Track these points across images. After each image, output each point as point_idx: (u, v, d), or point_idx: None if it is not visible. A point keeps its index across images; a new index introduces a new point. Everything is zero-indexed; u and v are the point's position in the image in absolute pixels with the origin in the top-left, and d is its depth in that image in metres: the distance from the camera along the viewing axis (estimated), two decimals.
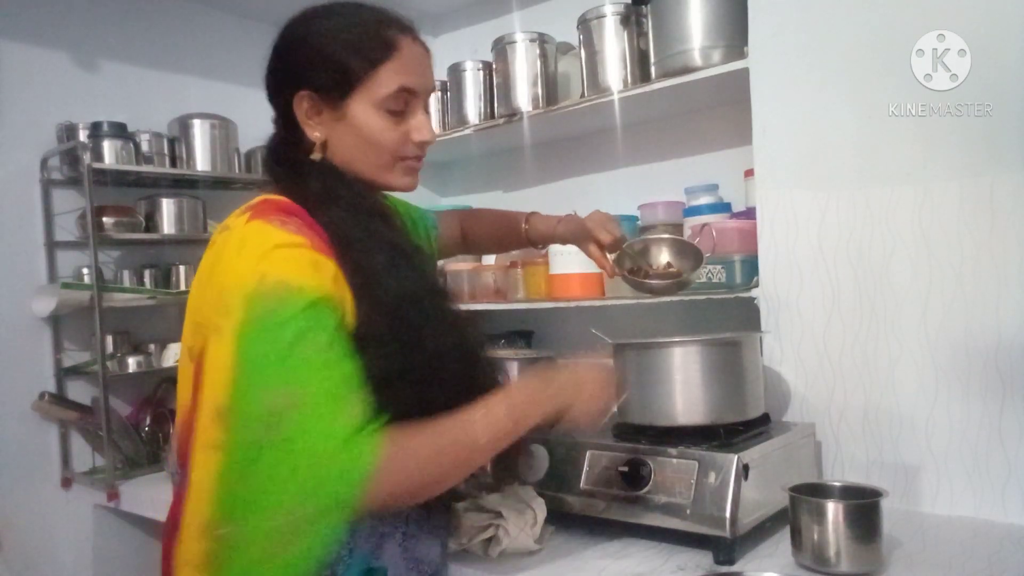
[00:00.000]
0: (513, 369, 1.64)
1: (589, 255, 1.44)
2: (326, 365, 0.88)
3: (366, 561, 0.99)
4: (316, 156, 1.02)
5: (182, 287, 2.24)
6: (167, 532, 1.00)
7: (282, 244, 0.91)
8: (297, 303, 0.87)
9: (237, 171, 2.32)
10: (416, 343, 0.97)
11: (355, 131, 1.01)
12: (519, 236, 1.48)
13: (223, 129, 2.28)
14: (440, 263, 2.26)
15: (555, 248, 1.96)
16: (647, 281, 1.46)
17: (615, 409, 1.14)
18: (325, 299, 0.90)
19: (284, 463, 0.85)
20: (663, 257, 1.54)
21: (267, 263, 0.89)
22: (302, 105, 1.01)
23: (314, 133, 1.02)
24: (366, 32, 1.01)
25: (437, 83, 2.30)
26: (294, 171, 1.02)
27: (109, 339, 2.09)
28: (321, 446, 0.85)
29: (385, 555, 1.02)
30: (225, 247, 0.94)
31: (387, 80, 1.01)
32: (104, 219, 2.06)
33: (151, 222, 2.18)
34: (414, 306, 0.99)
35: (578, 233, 1.44)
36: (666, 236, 1.62)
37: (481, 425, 0.95)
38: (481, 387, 1.01)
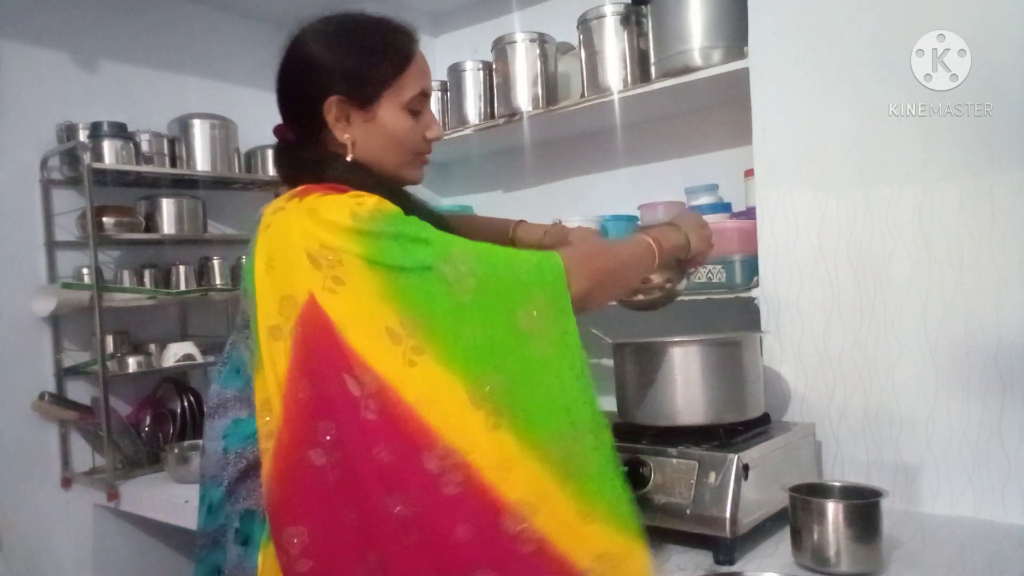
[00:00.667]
0: None
1: None
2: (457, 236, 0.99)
3: None
4: (348, 157, 1.07)
5: (182, 287, 2.24)
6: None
7: (355, 195, 0.98)
8: (395, 212, 0.97)
9: (237, 171, 2.32)
10: None
11: (384, 132, 1.08)
12: (506, 244, 1.48)
13: (223, 129, 2.28)
14: None
15: None
16: (633, 299, 1.43)
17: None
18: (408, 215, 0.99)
19: (512, 268, 0.97)
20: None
21: (352, 205, 0.96)
22: (331, 110, 1.06)
23: (344, 135, 1.07)
24: (388, 41, 1.09)
25: (437, 83, 2.31)
26: (322, 168, 1.07)
27: (109, 339, 2.10)
28: (523, 257, 0.98)
29: None
30: (289, 219, 0.97)
31: (410, 84, 1.08)
32: (104, 219, 2.06)
33: (151, 222, 2.18)
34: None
35: (563, 245, 1.44)
36: None
37: (626, 249, 1.16)
38: None
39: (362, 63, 1.06)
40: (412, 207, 1.05)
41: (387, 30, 1.09)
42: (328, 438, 0.91)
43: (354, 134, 1.07)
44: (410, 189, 1.15)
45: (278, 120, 1.14)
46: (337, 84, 1.05)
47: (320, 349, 0.92)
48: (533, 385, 0.95)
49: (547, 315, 0.97)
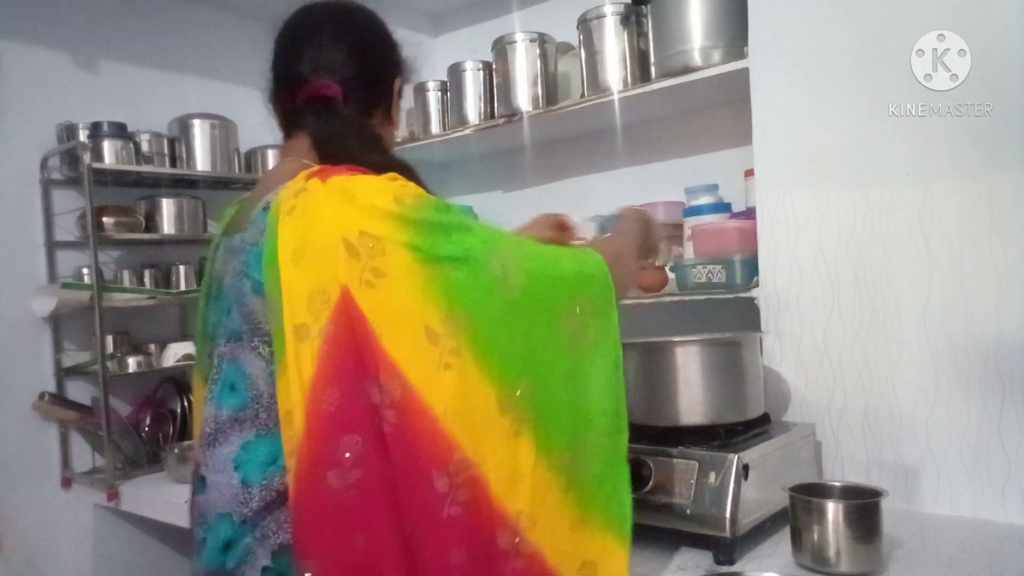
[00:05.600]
0: None
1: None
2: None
3: None
4: (398, 138, 1.09)
5: (182, 287, 2.24)
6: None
7: (393, 177, 0.92)
8: (442, 200, 0.93)
9: (237, 171, 2.32)
10: None
11: (395, 115, 1.13)
12: None
13: (223, 129, 2.28)
14: None
15: None
16: None
17: (659, 253, 1.27)
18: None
19: (560, 262, 0.97)
20: None
21: (395, 189, 0.90)
22: (397, 89, 1.12)
23: (393, 111, 1.12)
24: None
25: (435, 83, 2.31)
26: (371, 145, 1.03)
27: (109, 339, 2.09)
28: (562, 257, 0.98)
29: None
30: (321, 202, 0.88)
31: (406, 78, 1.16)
32: (104, 219, 2.06)
33: (151, 222, 2.18)
34: None
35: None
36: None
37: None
38: None
39: (400, 55, 1.13)
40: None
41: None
42: (348, 455, 0.83)
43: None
44: None
45: None
46: (403, 69, 1.12)
47: (352, 354, 0.84)
48: (563, 388, 0.93)
49: (591, 314, 0.97)
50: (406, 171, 0.97)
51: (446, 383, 0.84)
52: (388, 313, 0.84)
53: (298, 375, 0.84)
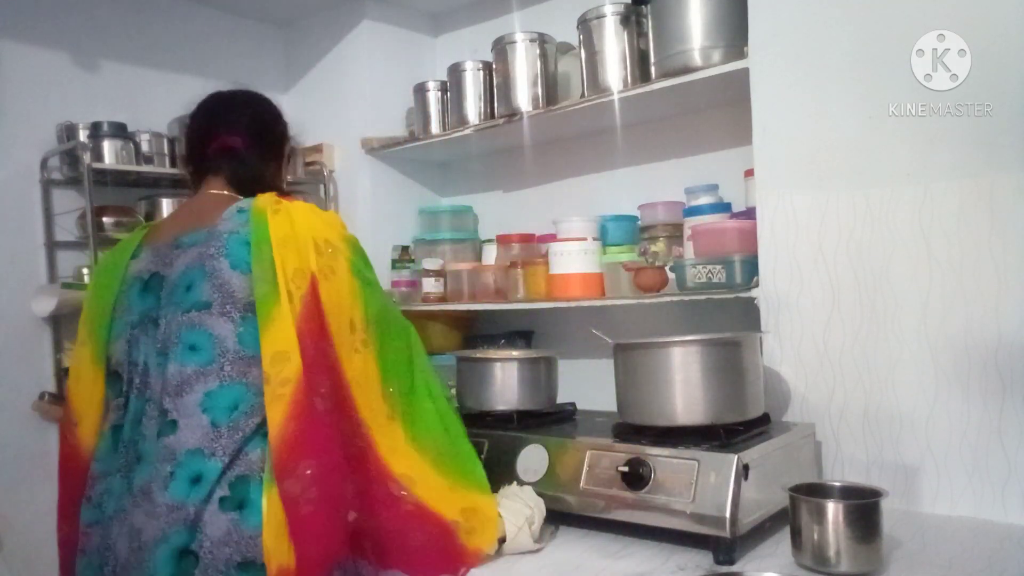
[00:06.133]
0: (512, 370, 1.64)
1: None
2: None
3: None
4: (285, 187, 1.44)
5: None
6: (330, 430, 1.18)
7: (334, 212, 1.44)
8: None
9: None
10: None
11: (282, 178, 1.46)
12: None
13: None
14: (440, 262, 2.27)
15: (555, 248, 1.96)
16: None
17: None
18: None
19: (405, 339, 1.33)
20: None
21: (340, 219, 1.29)
22: (287, 152, 1.46)
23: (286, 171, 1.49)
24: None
25: (435, 83, 2.31)
26: (277, 190, 1.34)
27: None
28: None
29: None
30: (296, 212, 1.22)
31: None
32: (104, 219, 2.06)
33: (151, 222, 2.18)
34: None
35: None
36: None
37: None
38: None
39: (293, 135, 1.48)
40: None
41: None
42: (323, 389, 1.16)
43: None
44: None
45: None
46: (290, 138, 1.46)
47: (316, 319, 1.17)
48: (417, 404, 1.31)
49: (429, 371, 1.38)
50: None
51: (355, 362, 1.21)
52: (333, 302, 1.19)
53: (290, 326, 1.14)
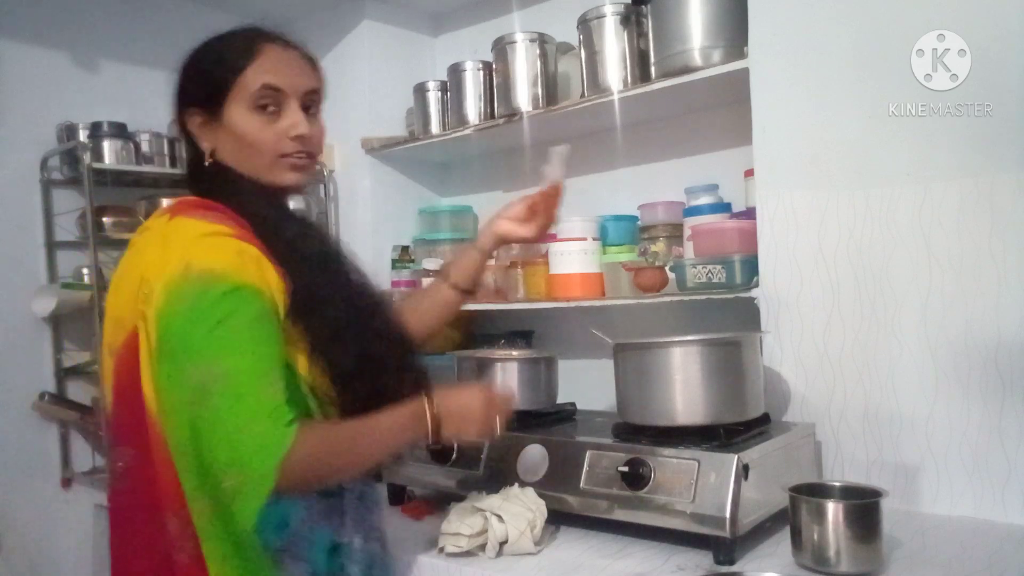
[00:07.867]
0: (512, 370, 1.64)
1: (513, 235, 1.46)
2: (251, 342, 0.94)
3: (329, 538, 1.05)
4: (207, 162, 1.10)
5: None
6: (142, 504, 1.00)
7: (206, 233, 0.98)
8: (220, 288, 0.94)
9: None
10: (338, 296, 1.07)
11: (234, 135, 1.08)
12: (450, 294, 1.40)
13: None
14: (440, 262, 2.26)
15: (555, 248, 1.96)
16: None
17: (498, 431, 1.15)
18: (248, 286, 0.96)
19: (214, 433, 0.92)
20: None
21: (192, 252, 0.96)
22: (194, 120, 1.10)
23: (203, 144, 1.10)
24: (230, 44, 1.12)
25: (435, 83, 2.31)
26: (200, 177, 1.11)
27: None
28: (244, 418, 0.91)
29: (345, 529, 1.07)
30: (147, 245, 1.03)
31: (251, 81, 1.08)
32: (104, 219, 2.07)
33: None
34: (325, 267, 1.09)
35: (487, 229, 1.45)
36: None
37: (380, 433, 1.04)
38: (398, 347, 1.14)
39: (204, 69, 1.10)
40: (286, 221, 1.10)
41: (235, 35, 1.14)
42: (120, 464, 1.03)
43: (213, 141, 1.09)
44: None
45: None
46: (191, 94, 1.10)
47: (128, 392, 0.99)
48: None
49: (239, 485, 0.99)
50: (238, 189, 1.08)
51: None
52: (144, 352, 0.97)
53: (108, 382, 1.04)
